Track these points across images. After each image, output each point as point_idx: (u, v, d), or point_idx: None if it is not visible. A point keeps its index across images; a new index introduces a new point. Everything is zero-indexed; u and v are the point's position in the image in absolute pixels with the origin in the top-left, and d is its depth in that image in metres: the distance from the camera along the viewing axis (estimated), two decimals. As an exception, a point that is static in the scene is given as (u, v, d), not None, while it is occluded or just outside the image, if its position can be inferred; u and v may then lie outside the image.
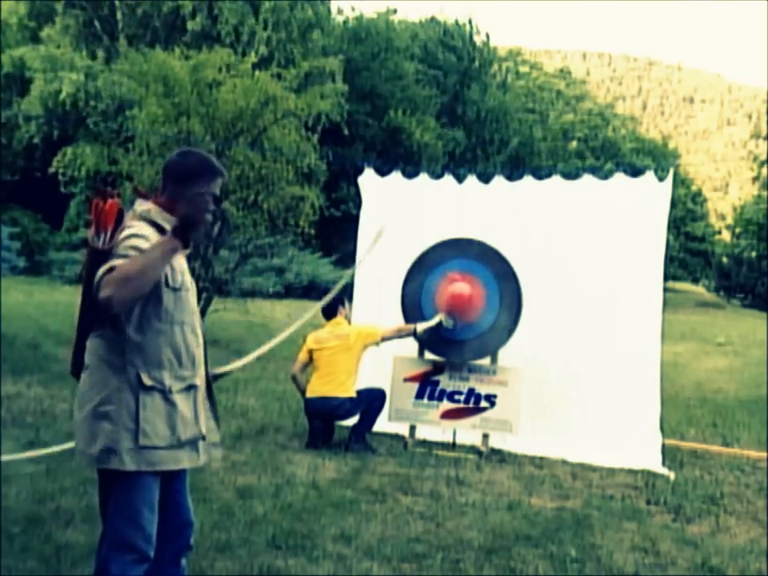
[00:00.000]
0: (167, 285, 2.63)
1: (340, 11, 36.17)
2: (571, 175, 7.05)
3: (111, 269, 2.39)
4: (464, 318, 6.41)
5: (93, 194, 2.66)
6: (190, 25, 28.86)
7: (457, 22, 40.19)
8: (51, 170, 24.86)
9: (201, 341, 2.79)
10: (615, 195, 6.66)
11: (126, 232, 2.55)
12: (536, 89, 49.14)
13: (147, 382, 2.58)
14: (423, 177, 7.36)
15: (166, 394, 2.61)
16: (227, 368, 3.32)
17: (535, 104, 45.67)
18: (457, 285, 6.42)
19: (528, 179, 6.99)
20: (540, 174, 7.08)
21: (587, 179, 6.87)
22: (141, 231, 2.56)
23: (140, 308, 2.58)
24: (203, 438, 2.74)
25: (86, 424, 2.58)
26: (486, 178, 7.19)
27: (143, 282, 2.39)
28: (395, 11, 38.20)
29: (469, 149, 36.65)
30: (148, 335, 2.59)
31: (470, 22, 40.34)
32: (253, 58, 16.86)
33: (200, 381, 2.76)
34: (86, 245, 2.64)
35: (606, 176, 7.05)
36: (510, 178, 7.14)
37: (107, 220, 2.51)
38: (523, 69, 54.14)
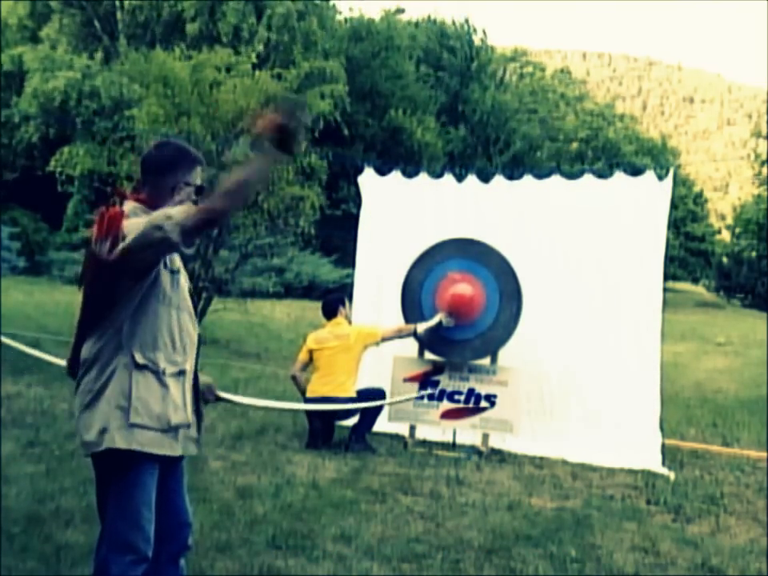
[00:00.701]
0: (165, 266, 2.63)
1: (339, 12, 36.17)
2: (573, 176, 7.05)
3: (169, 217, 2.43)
4: (465, 319, 6.41)
5: (97, 195, 2.66)
6: (189, 28, 28.84)
7: (455, 22, 40.15)
8: (48, 168, 24.88)
9: (196, 327, 2.79)
10: (615, 195, 6.66)
11: (137, 219, 2.53)
12: (538, 89, 48.95)
13: (140, 360, 2.58)
14: (423, 176, 7.36)
15: (159, 375, 2.61)
16: (233, 398, 3.21)
17: (537, 104, 45.55)
18: (459, 285, 6.42)
19: (528, 179, 6.99)
20: (540, 174, 7.07)
21: (587, 179, 6.87)
22: None
23: (142, 289, 2.58)
24: (188, 426, 2.74)
25: (86, 412, 2.59)
26: (486, 178, 7.19)
27: (249, 190, 2.48)
28: (403, 11, 38.26)
29: (470, 149, 36.62)
30: (146, 316, 2.60)
31: (466, 21, 40.32)
32: (253, 58, 16.86)
33: (189, 367, 2.76)
34: (86, 245, 2.64)
35: (606, 176, 7.05)
36: (510, 177, 7.14)
37: (110, 228, 2.51)
38: (526, 69, 53.88)
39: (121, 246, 2.49)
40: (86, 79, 26.38)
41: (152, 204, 2.66)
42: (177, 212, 2.48)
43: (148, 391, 2.59)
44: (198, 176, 2.76)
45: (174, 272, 2.68)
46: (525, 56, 57.59)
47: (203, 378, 2.86)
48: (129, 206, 2.67)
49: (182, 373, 2.71)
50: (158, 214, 2.50)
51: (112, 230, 2.50)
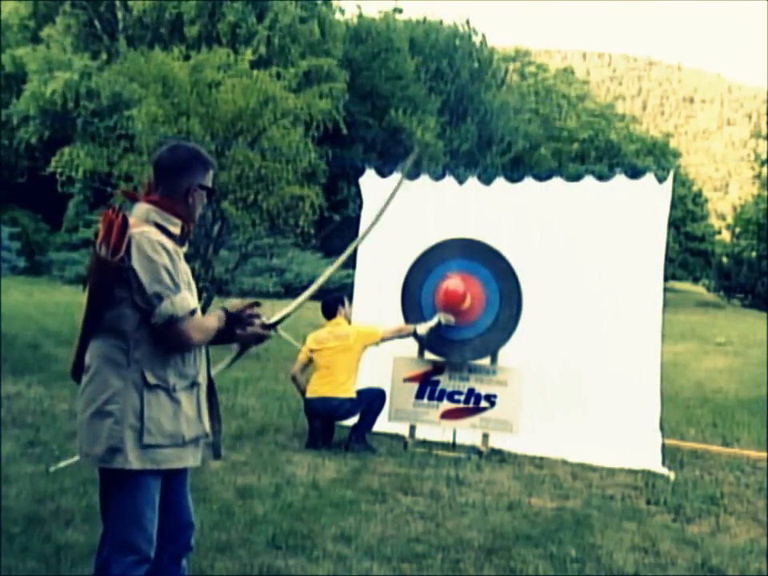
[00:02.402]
0: None
1: (341, 11, 36.16)
2: (573, 178, 7.05)
3: (193, 312, 2.60)
4: (461, 316, 6.41)
5: (97, 195, 2.68)
6: (188, 30, 28.84)
7: (468, 22, 40.14)
8: (49, 169, 24.88)
9: None
10: (616, 197, 6.67)
11: (153, 250, 2.56)
12: (542, 90, 48.84)
13: (151, 380, 2.57)
14: (424, 178, 7.35)
15: (170, 392, 2.61)
16: (282, 314, 3.05)
17: (540, 104, 45.52)
18: (450, 281, 6.42)
19: (529, 181, 7.00)
20: (540, 176, 7.08)
21: (587, 181, 6.88)
22: (161, 240, 2.60)
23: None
24: (206, 436, 2.75)
25: (90, 424, 2.58)
26: (487, 180, 7.20)
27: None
28: (401, 11, 38.28)
29: (471, 150, 36.59)
30: (152, 333, 2.59)
31: (467, 22, 40.33)
32: (249, 55, 16.85)
33: (202, 379, 2.76)
34: (90, 245, 2.67)
35: (606, 178, 7.06)
36: (511, 179, 7.15)
37: (114, 233, 2.52)
38: (529, 69, 53.77)
39: (129, 265, 2.52)
40: (83, 79, 26.38)
41: (165, 206, 2.68)
42: (188, 302, 2.59)
43: (159, 410, 2.58)
44: (210, 179, 2.78)
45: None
46: (528, 56, 57.51)
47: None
48: (141, 208, 2.68)
49: (194, 385, 2.71)
50: (168, 282, 2.55)
51: (117, 235, 2.51)
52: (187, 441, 2.64)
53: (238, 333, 2.79)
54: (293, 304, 3.14)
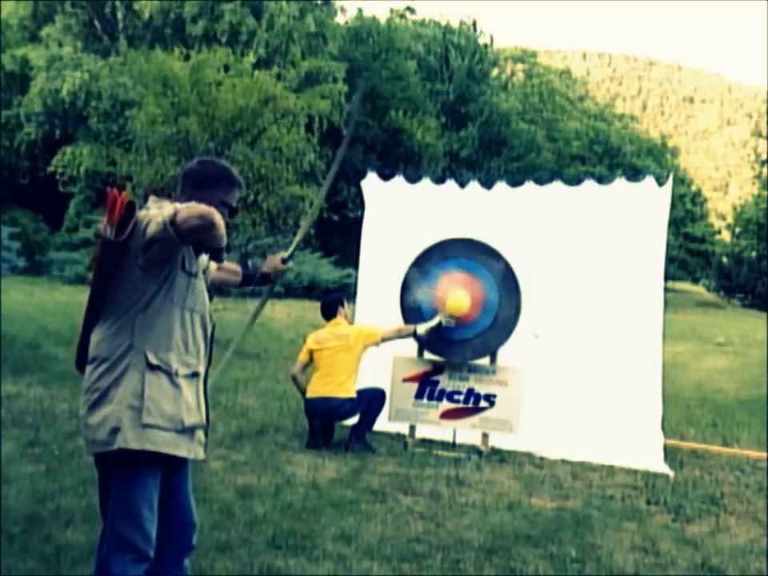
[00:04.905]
0: (183, 268, 2.66)
1: (343, 10, 36.19)
2: (574, 181, 7.05)
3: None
4: (463, 319, 6.41)
5: (99, 195, 2.71)
6: (190, 29, 28.84)
7: (474, 24, 40.09)
8: (50, 169, 24.86)
9: (208, 334, 2.81)
10: (616, 200, 6.68)
11: (156, 210, 2.60)
12: (544, 91, 48.63)
13: (153, 360, 2.59)
14: (426, 181, 7.34)
15: (171, 376, 2.62)
16: (293, 245, 3.44)
17: (542, 104, 45.40)
18: (455, 293, 6.40)
19: (529, 184, 7.00)
20: (541, 180, 7.09)
21: (588, 184, 6.88)
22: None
23: (154, 287, 2.60)
24: (203, 427, 2.75)
25: (95, 412, 2.59)
26: (488, 183, 7.21)
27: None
28: (413, 11, 38.35)
29: (472, 151, 36.54)
30: (158, 316, 2.61)
31: (474, 24, 40.27)
32: (251, 57, 16.90)
33: (202, 371, 2.77)
34: (90, 245, 2.69)
35: (606, 181, 7.07)
36: (512, 182, 7.15)
37: (117, 211, 2.53)
38: (534, 71, 53.53)
39: (144, 237, 2.53)
40: (93, 80, 26.37)
41: None
42: (179, 207, 2.52)
43: (160, 392, 2.59)
44: (234, 198, 2.83)
45: (191, 275, 2.70)
46: (533, 57, 57.35)
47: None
48: (158, 202, 2.71)
49: (195, 375, 2.72)
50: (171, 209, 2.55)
51: (120, 213, 2.53)
52: (186, 427, 2.64)
53: (263, 270, 3.29)
54: (298, 235, 3.57)
